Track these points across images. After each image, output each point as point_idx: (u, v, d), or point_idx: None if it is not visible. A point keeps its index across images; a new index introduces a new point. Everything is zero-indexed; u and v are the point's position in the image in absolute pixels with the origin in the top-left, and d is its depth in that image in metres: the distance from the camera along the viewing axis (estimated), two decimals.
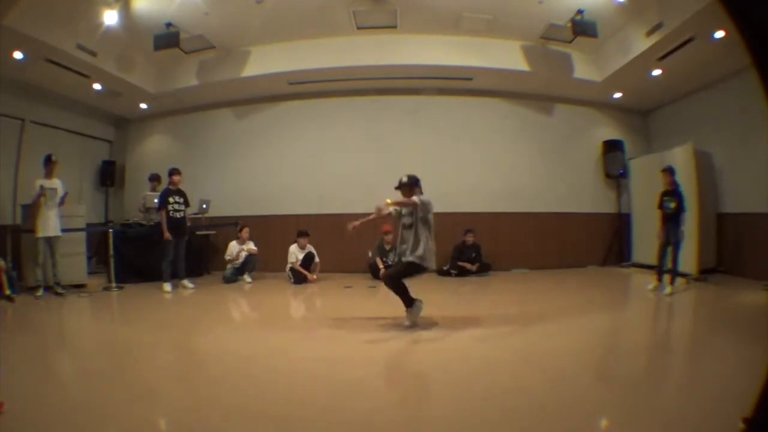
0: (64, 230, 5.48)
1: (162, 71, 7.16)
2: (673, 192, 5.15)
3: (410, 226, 3.79)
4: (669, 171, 5.26)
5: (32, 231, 5.30)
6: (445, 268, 6.87)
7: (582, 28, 5.61)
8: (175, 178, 5.97)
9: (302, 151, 7.70)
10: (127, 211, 8.05)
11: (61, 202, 5.44)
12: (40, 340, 3.62)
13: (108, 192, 8.39)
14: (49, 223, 5.28)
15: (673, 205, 5.08)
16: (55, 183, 5.41)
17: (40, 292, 5.21)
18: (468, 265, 6.77)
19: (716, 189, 6.49)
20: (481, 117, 7.69)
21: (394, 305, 3.83)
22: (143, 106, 7.87)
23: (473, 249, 6.92)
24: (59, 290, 5.33)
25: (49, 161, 5.39)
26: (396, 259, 4.07)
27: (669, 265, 5.09)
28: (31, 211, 5.39)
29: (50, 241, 5.31)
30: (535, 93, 7.60)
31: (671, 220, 5.07)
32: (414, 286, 3.85)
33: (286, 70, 6.76)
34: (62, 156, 5.78)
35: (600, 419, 2.12)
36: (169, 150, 8.27)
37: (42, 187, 5.22)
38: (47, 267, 5.33)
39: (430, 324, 3.83)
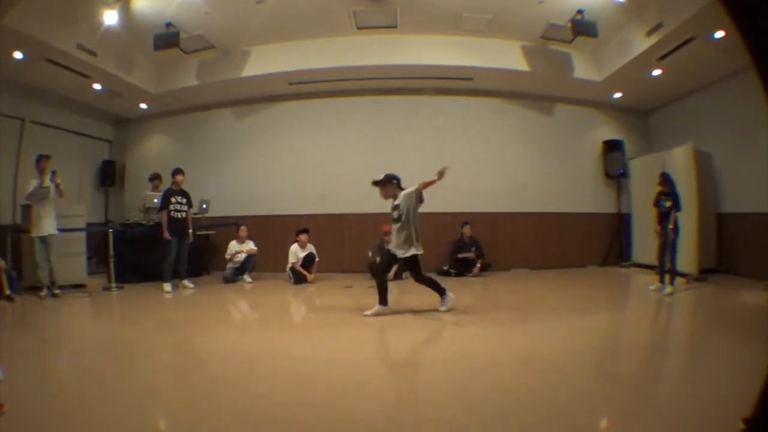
0: (61, 230, 5.41)
1: (162, 71, 7.16)
2: (669, 192, 5.11)
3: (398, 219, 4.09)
4: (667, 181, 5.11)
5: (28, 231, 5.27)
6: (444, 267, 6.87)
7: (582, 28, 5.61)
8: (178, 178, 5.97)
9: (302, 150, 7.69)
10: (127, 211, 8.04)
11: (59, 194, 5.27)
12: (40, 340, 3.63)
13: (108, 192, 8.40)
14: (43, 223, 5.20)
15: (668, 203, 5.06)
16: (49, 181, 5.26)
17: (43, 292, 5.19)
18: (470, 255, 6.74)
19: (716, 189, 6.49)
20: (481, 117, 7.68)
21: (395, 306, 3.83)
22: (143, 106, 7.87)
23: (472, 243, 6.91)
24: (55, 291, 5.25)
25: (40, 160, 5.24)
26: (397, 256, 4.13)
27: (668, 264, 5.08)
28: (27, 210, 5.35)
29: (46, 240, 5.23)
30: (535, 93, 7.60)
31: (666, 220, 5.04)
32: (413, 285, 3.85)
33: (286, 70, 6.76)
34: (62, 156, 5.76)
35: (600, 419, 2.12)
36: (169, 150, 8.27)
37: (39, 185, 5.14)
38: (45, 266, 5.26)
39: (429, 325, 3.83)
